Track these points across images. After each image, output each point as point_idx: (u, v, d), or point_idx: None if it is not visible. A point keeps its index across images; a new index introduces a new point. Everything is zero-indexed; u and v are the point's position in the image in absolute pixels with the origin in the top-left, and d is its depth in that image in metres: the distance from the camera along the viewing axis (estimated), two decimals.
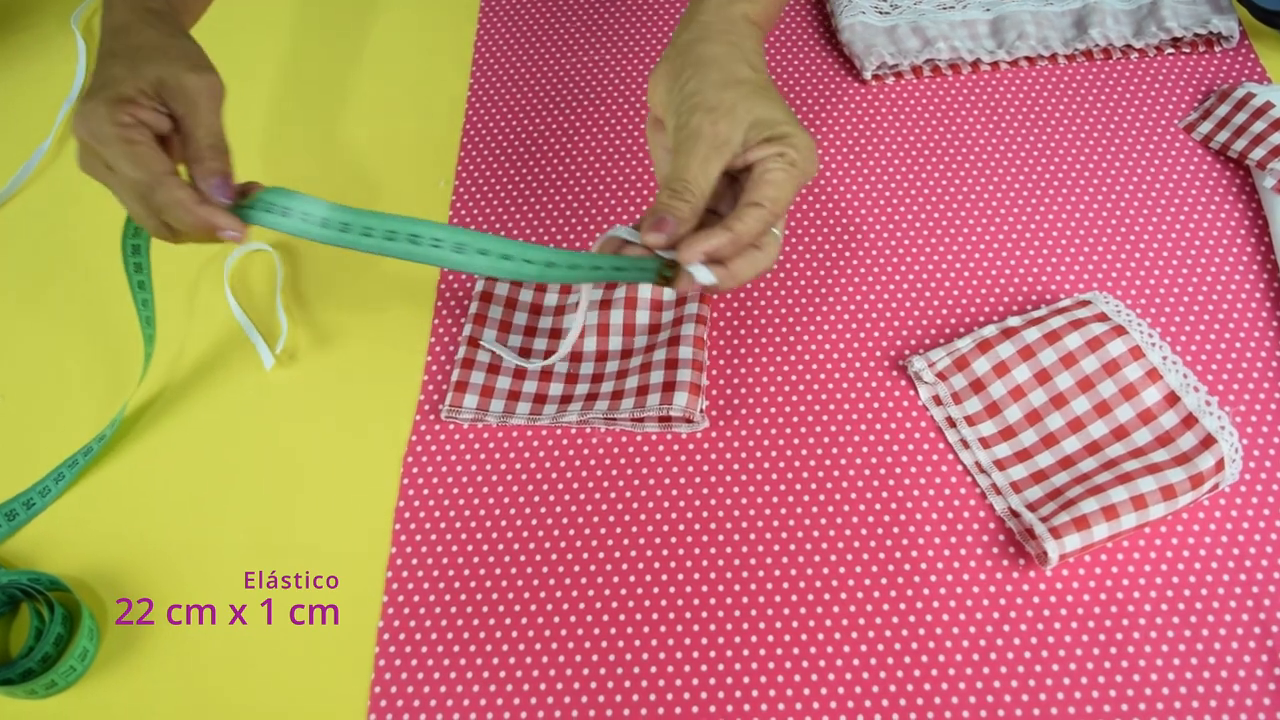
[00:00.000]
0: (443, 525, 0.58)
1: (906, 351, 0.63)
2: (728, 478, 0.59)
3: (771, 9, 0.59)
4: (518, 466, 0.60)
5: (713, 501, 0.58)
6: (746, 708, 0.52)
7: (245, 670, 0.54)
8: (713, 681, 0.53)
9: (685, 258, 0.51)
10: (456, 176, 0.73)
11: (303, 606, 0.56)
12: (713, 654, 0.53)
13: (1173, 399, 0.57)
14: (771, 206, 0.51)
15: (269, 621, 0.56)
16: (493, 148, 0.74)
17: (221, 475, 0.61)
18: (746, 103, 0.53)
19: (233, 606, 0.56)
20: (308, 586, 0.57)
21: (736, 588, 0.55)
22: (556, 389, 0.62)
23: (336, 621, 0.55)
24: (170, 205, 0.52)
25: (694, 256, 0.51)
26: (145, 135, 0.52)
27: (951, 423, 0.59)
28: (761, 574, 0.55)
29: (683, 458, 0.59)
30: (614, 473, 0.59)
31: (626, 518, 0.58)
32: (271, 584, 0.57)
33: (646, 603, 0.55)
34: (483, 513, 0.58)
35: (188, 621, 0.56)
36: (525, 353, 0.63)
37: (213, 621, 0.56)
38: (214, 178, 0.53)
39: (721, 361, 0.63)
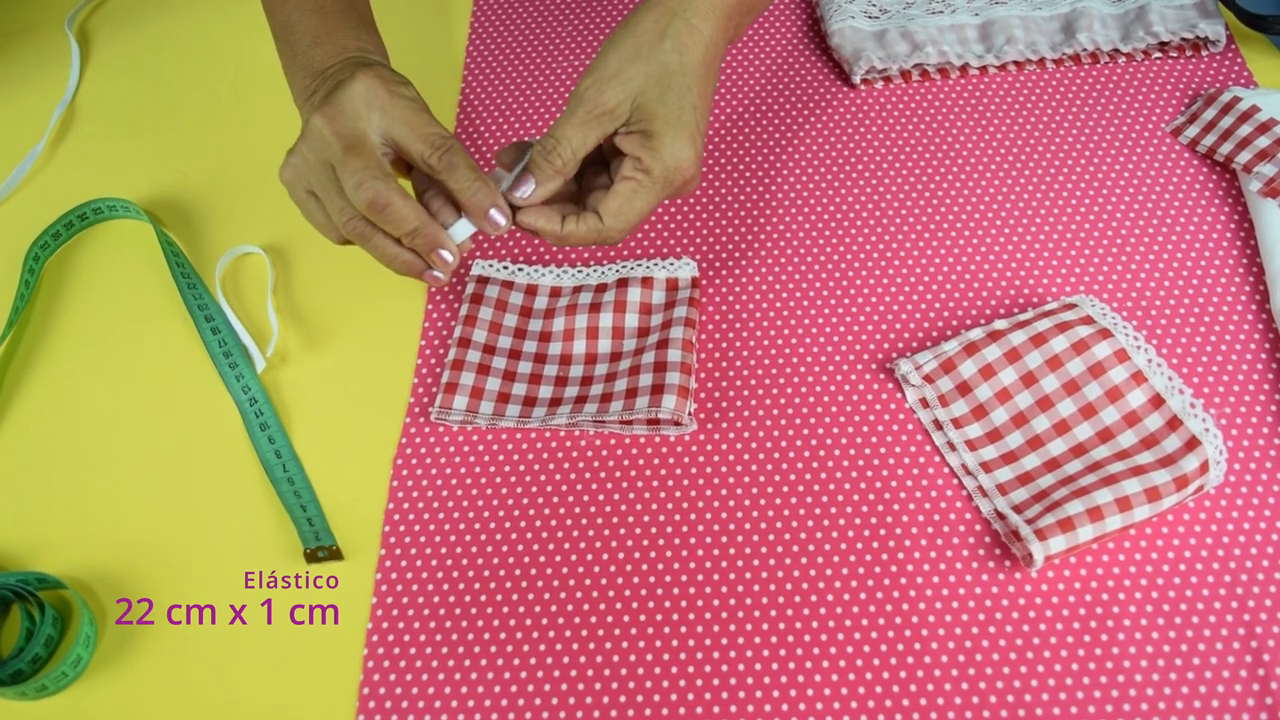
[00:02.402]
0: (432, 527, 0.58)
1: (894, 354, 0.63)
2: (715, 480, 0.59)
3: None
4: (506, 469, 0.60)
5: (700, 504, 0.58)
6: (733, 709, 0.52)
7: (236, 672, 0.54)
8: (699, 683, 0.53)
9: (518, 219, 0.55)
10: None
11: (303, 606, 0.56)
12: (699, 655, 0.54)
13: (1158, 401, 0.57)
14: (611, 221, 0.54)
15: (269, 621, 0.56)
16: (483, 150, 0.75)
17: (217, 476, 0.61)
18: (642, 81, 0.53)
19: (233, 606, 0.56)
20: (307, 587, 0.57)
21: (724, 589, 0.55)
22: (546, 392, 0.62)
23: (336, 621, 0.56)
24: (465, 167, 0.53)
25: (524, 220, 0.55)
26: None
27: (938, 425, 0.60)
28: (749, 576, 0.56)
29: (671, 460, 0.60)
30: (602, 475, 0.59)
31: (615, 520, 0.58)
32: (272, 584, 0.57)
33: (634, 604, 0.55)
34: (471, 515, 0.59)
35: (186, 621, 0.56)
36: (515, 355, 0.64)
37: (213, 621, 0.56)
38: (489, 208, 0.54)
39: (710, 364, 0.63)
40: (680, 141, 0.53)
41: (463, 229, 0.54)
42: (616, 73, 0.53)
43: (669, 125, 0.53)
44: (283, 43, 0.61)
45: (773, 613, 0.55)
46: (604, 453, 0.60)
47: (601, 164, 0.58)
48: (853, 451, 0.59)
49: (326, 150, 0.53)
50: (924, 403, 0.61)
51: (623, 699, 0.53)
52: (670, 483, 0.59)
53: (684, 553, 0.57)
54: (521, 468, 0.60)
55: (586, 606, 0.55)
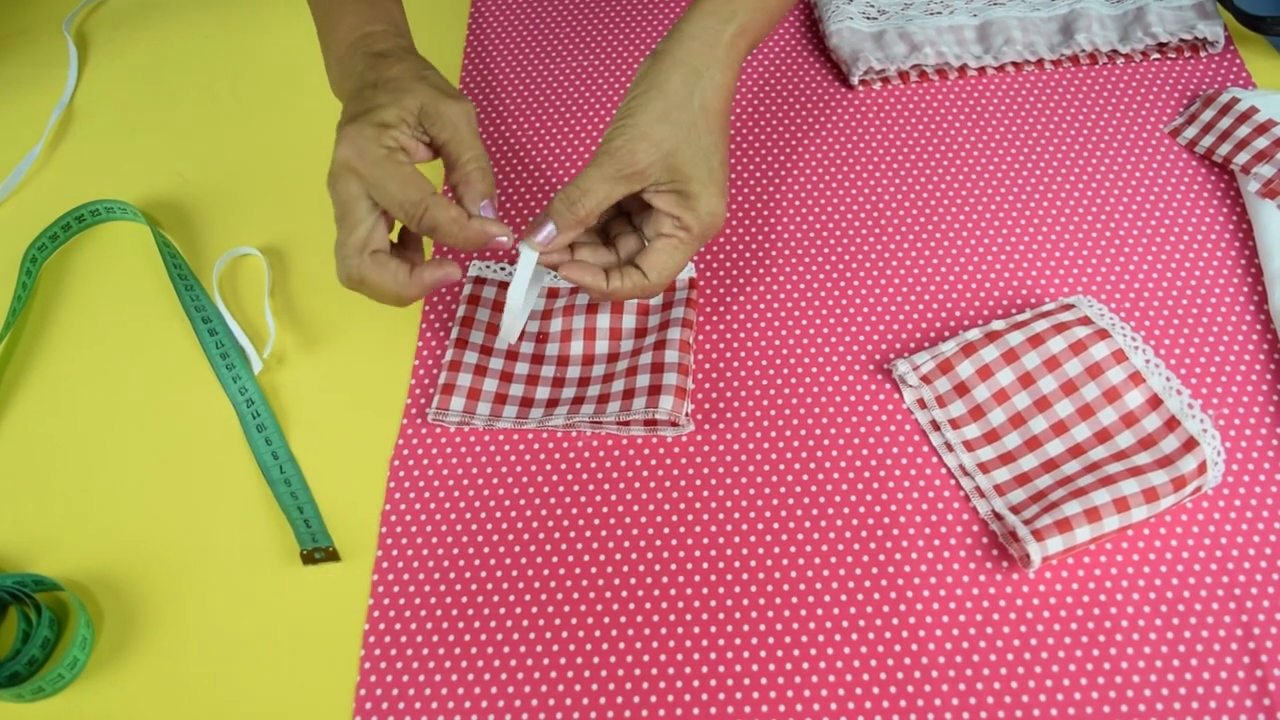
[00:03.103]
0: (429, 529, 0.58)
1: (891, 355, 0.63)
2: (713, 481, 0.59)
3: (764, 26, 0.59)
4: (504, 469, 0.60)
5: (698, 504, 0.58)
6: (730, 710, 0.52)
7: (232, 673, 0.54)
8: (696, 684, 0.53)
9: (564, 273, 0.56)
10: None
11: (299, 608, 0.56)
12: (696, 656, 0.53)
13: (1155, 402, 0.57)
14: (655, 278, 0.56)
15: (265, 623, 0.56)
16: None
17: (214, 478, 0.61)
18: (673, 142, 0.54)
19: (229, 608, 0.56)
20: (303, 588, 0.57)
21: (721, 590, 0.55)
22: (543, 393, 0.62)
23: (333, 623, 0.56)
24: (445, 223, 0.53)
25: (571, 274, 0.56)
26: (408, 159, 0.54)
27: (936, 426, 0.60)
28: (746, 576, 0.56)
29: (668, 461, 0.60)
30: (599, 476, 0.59)
31: (612, 521, 0.58)
32: (268, 586, 0.57)
33: (631, 605, 0.55)
34: (468, 516, 0.59)
35: (183, 624, 0.56)
36: (512, 356, 0.64)
37: (209, 623, 0.56)
38: (484, 199, 0.55)
39: (707, 365, 0.63)
40: (714, 197, 0.55)
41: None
42: (647, 133, 0.54)
43: (703, 184, 0.55)
44: (318, 29, 0.63)
45: (770, 613, 0.54)
46: (601, 453, 0.60)
47: (621, 213, 0.59)
48: (850, 452, 0.59)
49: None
50: (921, 403, 0.61)
51: (619, 699, 0.52)
52: (667, 483, 0.59)
53: (681, 553, 0.57)
54: (519, 469, 0.60)
55: (584, 607, 0.55)
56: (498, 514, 0.59)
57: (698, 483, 0.59)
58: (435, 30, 0.83)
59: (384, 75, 0.56)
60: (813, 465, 0.59)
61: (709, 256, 0.68)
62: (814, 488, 0.58)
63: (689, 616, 0.55)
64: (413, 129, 0.55)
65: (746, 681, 0.53)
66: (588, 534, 0.58)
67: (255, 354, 0.64)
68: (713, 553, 0.56)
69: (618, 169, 0.54)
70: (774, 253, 0.68)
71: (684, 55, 0.56)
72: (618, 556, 0.57)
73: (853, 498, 0.58)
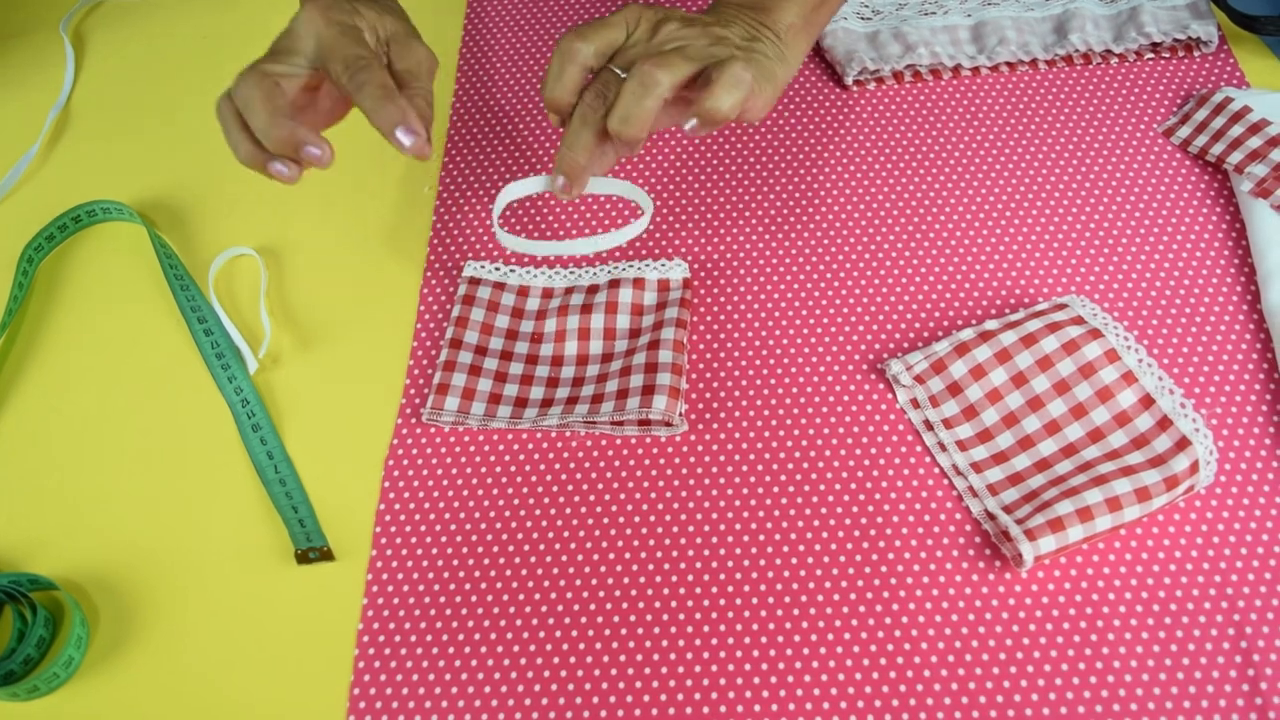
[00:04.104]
0: (423, 528, 0.58)
1: (884, 355, 0.63)
2: (706, 481, 0.59)
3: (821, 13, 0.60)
4: (498, 469, 0.60)
5: (691, 504, 0.58)
6: (723, 709, 0.52)
7: (227, 672, 0.55)
8: (689, 683, 0.53)
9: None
10: (440, 182, 0.73)
11: (293, 607, 0.56)
12: (689, 655, 0.54)
13: (1148, 401, 0.57)
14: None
15: (259, 622, 0.56)
16: (477, 153, 0.75)
17: (209, 477, 0.61)
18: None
19: (224, 607, 0.57)
20: (298, 588, 0.57)
21: (714, 590, 0.55)
22: (537, 393, 0.62)
23: (327, 622, 0.56)
24: (375, 85, 0.54)
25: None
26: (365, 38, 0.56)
27: (929, 425, 0.60)
28: (739, 576, 0.56)
29: (661, 461, 0.60)
30: (593, 476, 0.60)
31: (605, 520, 0.58)
32: (263, 585, 0.57)
33: (625, 605, 0.55)
34: (463, 515, 0.59)
35: (178, 623, 0.56)
36: (507, 356, 0.64)
37: (204, 622, 0.56)
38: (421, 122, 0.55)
39: (701, 365, 0.63)
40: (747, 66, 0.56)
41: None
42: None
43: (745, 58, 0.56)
44: None
45: (763, 613, 0.55)
46: (595, 453, 0.60)
47: None
48: (843, 452, 0.60)
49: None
50: (915, 403, 0.61)
51: (612, 699, 0.53)
52: (661, 483, 0.59)
53: (674, 553, 0.57)
54: (513, 469, 0.60)
55: (577, 607, 0.55)
56: (492, 514, 0.59)
57: (691, 483, 0.59)
58: (430, 33, 0.83)
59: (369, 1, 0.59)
60: (806, 465, 0.59)
61: (703, 257, 0.68)
62: (807, 487, 0.58)
63: (682, 616, 0.55)
64: (379, 41, 0.57)
65: (739, 680, 0.53)
66: (581, 534, 0.58)
67: (250, 354, 0.65)
68: (705, 552, 0.57)
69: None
70: (767, 253, 0.68)
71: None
72: (611, 556, 0.57)
73: (846, 497, 0.58)
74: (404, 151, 0.54)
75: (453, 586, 0.56)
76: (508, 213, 0.71)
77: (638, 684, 0.53)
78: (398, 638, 0.55)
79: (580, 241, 0.63)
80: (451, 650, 0.54)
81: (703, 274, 0.67)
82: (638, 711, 0.52)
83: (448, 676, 0.54)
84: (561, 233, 0.70)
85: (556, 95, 0.55)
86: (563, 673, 0.53)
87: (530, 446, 0.61)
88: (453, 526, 0.58)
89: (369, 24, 0.57)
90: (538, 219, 0.71)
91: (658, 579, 0.56)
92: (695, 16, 0.57)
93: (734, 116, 0.54)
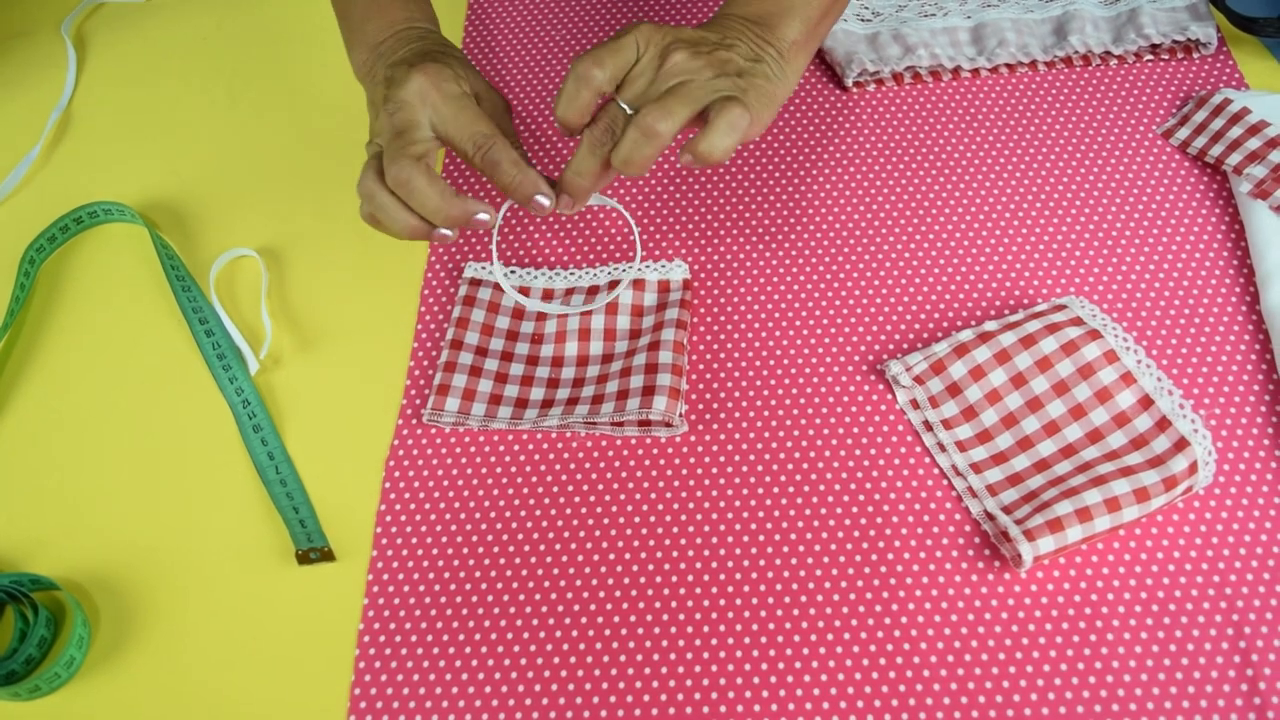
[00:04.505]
0: (424, 529, 0.58)
1: (884, 356, 0.63)
2: (706, 481, 0.59)
3: (819, 27, 0.61)
4: (498, 470, 0.60)
5: (691, 505, 0.58)
6: (723, 709, 0.52)
7: (228, 672, 0.55)
8: (689, 683, 0.53)
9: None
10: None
11: (294, 607, 0.57)
12: (689, 656, 0.54)
13: (1147, 402, 0.57)
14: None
15: (260, 623, 0.56)
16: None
17: (210, 478, 0.61)
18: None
19: (225, 608, 0.57)
20: (299, 588, 0.57)
21: (714, 590, 0.56)
22: (538, 394, 0.62)
23: (328, 622, 0.56)
24: (506, 162, 0.56)
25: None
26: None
27: (928, 426, 0.60)
28: (739, 576, 0.56)
29: (662, 461, 0.60)
30: (594, 477, 0.60)
31: (605, 521, 0.58)
32: (264, 585, 0.57)
33: (625, 605, 0.55)
34: (463, 516, 0.59)
35: (179, 623, 0.56)
36: (507, 357, 0.64)
37: (205, 622, 0.56)
38: (535, 193, 0.57)
39: (701, 366, 0.63)
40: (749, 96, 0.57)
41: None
42: (701, 40, 0.57)
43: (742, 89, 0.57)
44: (341, 18, 0.67)
45: (763, 613, 0.55)
46: (595, 454, 0.60)
47: None
48: (843, 452, 0.60)
49: (383, 139, 0.57)
50: (914, 404, 0.61)
51: (613, 699, 0.53)
52: (661, 484, 0.59)
53: (674, 553, 0.57)
54: (513, 469, 0.60)
55: (577, 607, 0.55)
56: (492, 514, 0.59)
57: (691, 483, 0.59)
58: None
59: (444, 51, 0.60)
60: (805, 465, 0.59)
61: (703, 258, 0.68)
62: (807, 488, 0.59)
63: (682, 616, 0.55)
64: (477, 101, 0.58)
65: (739, 681, 0.53)
66: (581, 534, 0.58)
67: (252, 355, 0.65)
68: (705, 552, 0.57)
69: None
70: (767, 254, 0.68)
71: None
72: (611, 557, 0.57)
73: (845, 498, 0.58)
74: (542, 214, 0.57)
75: (453, 587, 0.56)
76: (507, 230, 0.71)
77: (638, 684, 0.53)
78: (398, 638, 0.55)
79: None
80: (452, 650, 0.54)
81: (703, 275, 0.67)
82: (637, 711, 0.52)
83: (448, 677, 0.54)
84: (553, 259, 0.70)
85: (569, 117, 0.56)
86: (563, 673, 0.54)
87: (530, 447, 0.61)
88: (453, 527, 0.58)
89: (469, 86, 0.59)
90: (536, 236, 0.71)
91: (658, 579, 0.56)
92: (702, 38, 0.57)
93: (728, 159, 0.57)
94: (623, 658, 0.54)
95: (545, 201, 0.57)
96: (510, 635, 0.55)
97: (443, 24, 0.83)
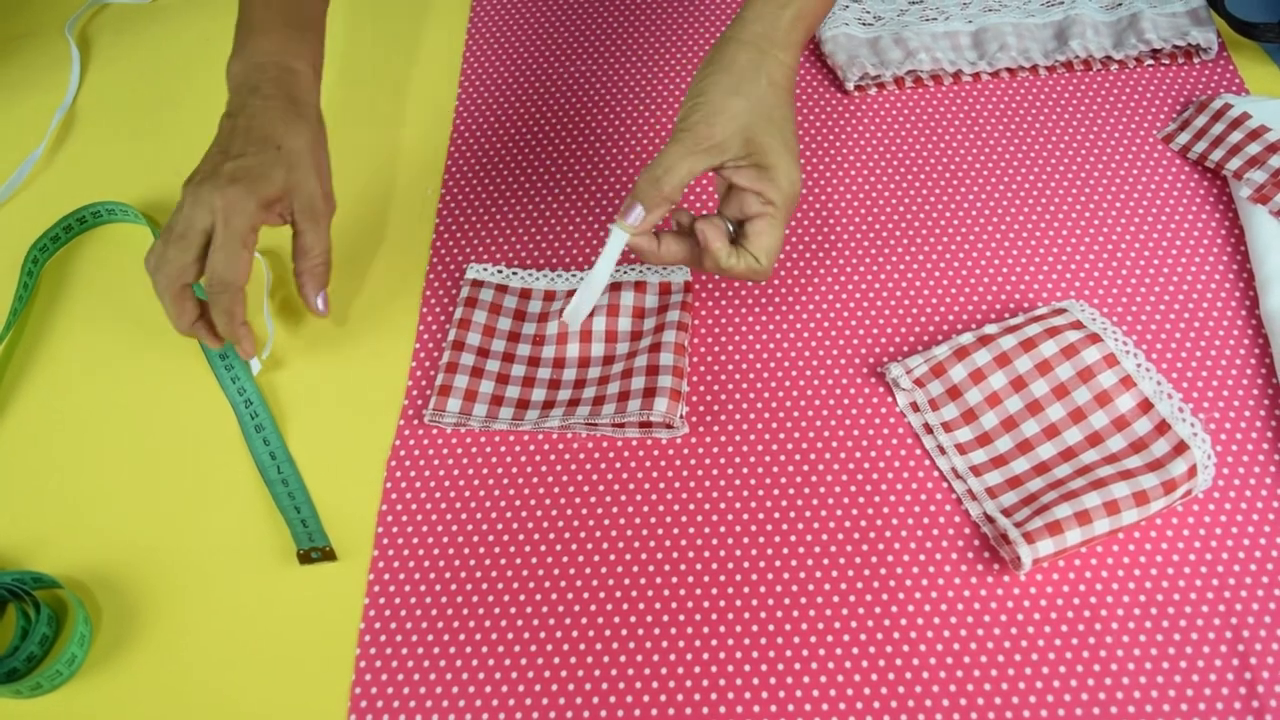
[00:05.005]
0: (425, 529, 0.59)
1: (885, 358, 0.63)
2: (707, 483, 0.59)
3: (818, 10, 0.60)
4: (499, 471, 0.60)
5: (692, 506, 0.58)
6: (722, 709, 0.52)
7: (229, 671, 0.55)
8: (689, 684, 0.53)
9: (699, 226, 0.57)
10: (443, 184, 0.74)
11: (296, 607, 0.57)
12: (689, 656, 0.54)
13: (1146, 406, 0.58)
14: (765, 261, 0.57)
15: (261, 622, 0.56)
16: (480, 155, 0.75)
17: (212, 478, 0.62)
18: (747, 116, 0.55)
19: (226, 607, 0.57)
20: (300, 587, 0.57)
21: (714, 591, 0.56)
22: (539, 394, 0.63)
23: (329, 622, 0.56)
24: (229, 320, 0.59)
25: (702, 227, 0.57)
26: (254, 244, 0.59)
27: (928, 429, 0.60)
28: (739, 577, 0.56)
29: (663, 463, 0.60)
30: (594, 478, 0.60)
31: (606, 522, 0.58)
32: (265, 584, 0.58)
33: (625, 606, 0.56)
34: (464, 516, 0.59)
35: (180, 621, 0.57)
36: (509, 358, 0.64)
37: (206, 621, 0.56)
38: (320, 291, 0.62)
39: (702, 368, 0.63)
40: (792, 166, 0.57)
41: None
42: (721, 107, 0.55)
43: (779, 154, 0.56)
44: (241, 8, 0.67)
45: (763, 614, 0.55)
46: (596, 455, 0.61)
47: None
48: (843, 455, 0.60)
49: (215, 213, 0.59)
50: (914, 406, 0.61)
51: (613, 699, 0.53)
52: (662, 485, 0.59)
53: (675, 554, 0.57)
54: (514, 470, 0.60)
55: (578, 608, 0.56)
56: (493, 515, 0.59)
57: (691, 484, 0.59)
58: (435, 38, 0.84)
59: (267, 116, 0.61)
60: (806, 467, 0.59)
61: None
62: (807, 489, 0.59)
63: (682, 617, 0.55)
64: (287, 206, 0.60)
65: (739, 682, 0.53)
66: (582, 535, 0.58)
67: (254, 355, 0.65)
68: (706, 554, 0.57)
69: (695, 143, 0.55)
70: None
71: (747, 38, 0.57)
72: (612, 557, 0.57)
73: (845, 500, 0.58)
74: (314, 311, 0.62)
75: (454, 587, 0.57)
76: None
77: (638, 684, 0.53)
78: (399, 637, 0.55)
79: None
80: (453, 650, 0.55)
81: (704, 277, 0.67)
82: (637, 712, 0.52)
83: (449, 676, 0.54)
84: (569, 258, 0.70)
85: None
86: (563, 673, 0.54)
87: (532, 448, 0.61)
88: (454, 527, 0.59)
89: (273, 198, 0.60)
90: (539, 237, 0.71)
91: (658, 580, 0.56)
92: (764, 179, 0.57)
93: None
94: (622, 658, 0.54)
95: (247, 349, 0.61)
96: (511, 635, 0.55)
97: (444, 21, 0.84)
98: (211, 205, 0.57)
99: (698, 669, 0.54)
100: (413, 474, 0.60)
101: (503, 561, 0.57)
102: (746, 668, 0.53)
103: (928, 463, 0.59)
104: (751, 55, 0.57)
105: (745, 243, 0.57)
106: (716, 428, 0.61)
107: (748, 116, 0.55)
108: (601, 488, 0.59)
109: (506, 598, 0.56)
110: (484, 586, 0.57)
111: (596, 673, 0.54)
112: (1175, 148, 0.71)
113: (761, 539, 0.57)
